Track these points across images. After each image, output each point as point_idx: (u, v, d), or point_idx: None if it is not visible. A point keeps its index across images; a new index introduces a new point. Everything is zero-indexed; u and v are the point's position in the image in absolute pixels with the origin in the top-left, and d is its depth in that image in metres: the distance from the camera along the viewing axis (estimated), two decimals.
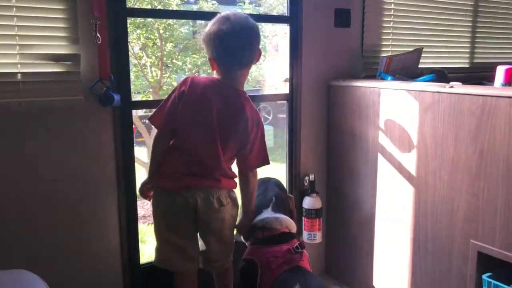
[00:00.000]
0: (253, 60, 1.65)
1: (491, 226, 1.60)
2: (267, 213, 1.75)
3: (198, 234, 1.68)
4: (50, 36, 1.59)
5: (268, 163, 1.69)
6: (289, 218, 1.78)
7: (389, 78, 2.13)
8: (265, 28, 4.54)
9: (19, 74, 1.55)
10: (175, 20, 4.15)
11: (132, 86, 1.83)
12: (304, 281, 1.52)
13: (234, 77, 1.63)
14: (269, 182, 1.89)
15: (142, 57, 4.17)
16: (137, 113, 4.25)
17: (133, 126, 1.84)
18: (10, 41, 1.53)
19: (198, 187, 1.60)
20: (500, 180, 1.56)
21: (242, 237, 1.78)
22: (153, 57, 4.18)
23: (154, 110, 1.64)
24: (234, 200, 1.70)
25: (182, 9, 4.19)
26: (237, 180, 1.70)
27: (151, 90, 4.26)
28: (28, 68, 1.56)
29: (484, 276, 1.61)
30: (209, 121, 1.58)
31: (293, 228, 1.77)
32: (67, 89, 1.62)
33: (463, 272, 1.71)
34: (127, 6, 1.76)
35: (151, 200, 1.68)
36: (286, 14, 2.19)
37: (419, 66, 2.39)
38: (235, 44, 1.59)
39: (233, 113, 1.61)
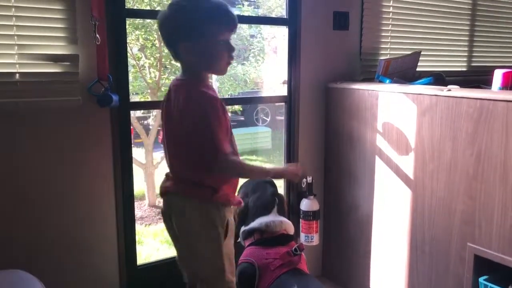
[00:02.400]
0: (177, 37, 1.40)
1: (488, 229, 1.60)
2: (273, 216, 1.75)
3: None
4: (49, 36, 1.59)
5: (234, 146, 1.48)
6: (289, 221, 1.78)
7: (387, 81, 2.13)
8: (264, 30, 4.55)
9: (17, 74, 1.55)
10: None
11: (130, 87, 1.84)
12: (303, 283, 1.52)
13: (183, 65, 1.47)
14: (264, 182, 1.88)
15: (141, 58, 4.16)
16: (135, 114, 4.25)
17: (131, 127, 1.83)
18: (8, 41, 1.52)
19: (170, 192, 1.50)
20: (497, 183, 1.56)
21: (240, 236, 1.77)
22: (152, 58, 4.17)
23: (153, 111, 1.61)
24: (209, 219, 1.42)
25: None
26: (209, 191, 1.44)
27: (149, 91, 4.25)
28: (26, 68, 1.56)
29: (481, 279, 1.61)
30: (165, 128, 1.49)
31: (291, 230, 1.77)
32: (65, 89, 1.62)
33: (460, 274, 1.71)
34: (126, 7, 1.77)
35: None
36: (285, 17, 2.19)
37: (417, 69, 2.39)
38: (164, 29, 1.44)
39: (175, 108, 1.42)
